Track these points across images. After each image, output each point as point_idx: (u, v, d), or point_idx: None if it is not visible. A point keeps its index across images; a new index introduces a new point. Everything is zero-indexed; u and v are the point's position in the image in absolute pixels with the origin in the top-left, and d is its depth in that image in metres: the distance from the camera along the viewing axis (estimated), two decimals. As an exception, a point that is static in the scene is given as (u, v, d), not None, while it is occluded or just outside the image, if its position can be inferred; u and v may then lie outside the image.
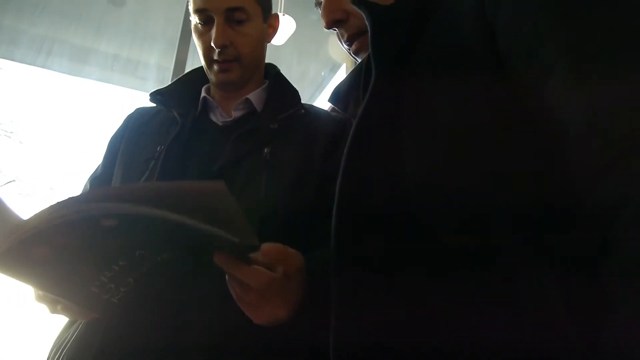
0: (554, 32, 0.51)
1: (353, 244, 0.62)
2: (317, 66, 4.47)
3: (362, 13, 0.74)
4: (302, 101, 1.16)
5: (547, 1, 0.53)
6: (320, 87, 4.46)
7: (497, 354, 0.48)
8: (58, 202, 0.48)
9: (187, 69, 3.22)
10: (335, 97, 0.92)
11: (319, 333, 0.63)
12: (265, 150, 0.95)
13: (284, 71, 1.21)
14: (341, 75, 4.17)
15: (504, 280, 0.50)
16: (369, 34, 0.72)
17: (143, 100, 3.80)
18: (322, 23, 0.88)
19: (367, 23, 0.73)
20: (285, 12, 3.00)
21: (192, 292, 0.79)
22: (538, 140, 0.52)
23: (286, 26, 2.87)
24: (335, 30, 0.87)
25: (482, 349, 0.49)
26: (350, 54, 0.90)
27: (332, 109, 1.07)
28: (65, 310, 0.74)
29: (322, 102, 4.37)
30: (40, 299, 0.75)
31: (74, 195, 0.50)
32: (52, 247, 0.50)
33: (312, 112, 1.12)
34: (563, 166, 0.49)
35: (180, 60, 3.06)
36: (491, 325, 0.49)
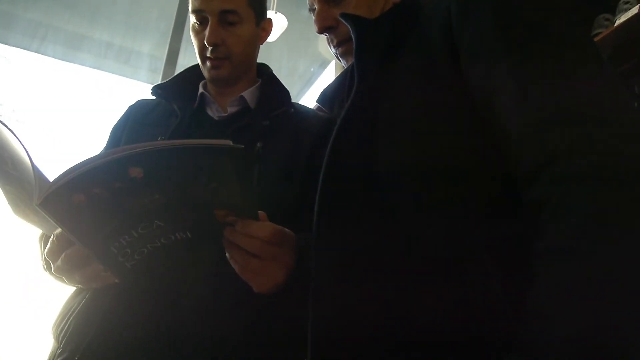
0: (505, 57, 0.60)
1: (332, 218, 0.68)
2: (307, 62, 4.55)
3: (348, 25, 0.85)
4: (292, 97, 1.25)
5: (498, 30, 0.63)
6: (309, 83, 4.56)
7: (444, 329, 0.54)
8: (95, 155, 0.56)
9: (179, 60, 3.31)
10: (322, 98, 1.05)
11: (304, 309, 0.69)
12: (258, 144, 1.01)
13: (274, 66, 1.29)
14: (330, 71, 4.27)
15: (453, 263, 0.56)
16: (354, 44, 0.82)
17: (135, 88, 3.86)
18: (315, 27, 0.97)
19: (352, 35, 0.83)
20: (277, 8, 3.07)
21: (192, 280, 0.84)
22: (485, 142, 0.61)
23: (278, 24, 2.94)
24: (326, 35, 0.98)
25: (430, 323, 0.55)
26: (337, 57, 1.00)
27: (319, 109, 1.17)
28: (83, 277, 0.79)
29: (311, 97, 4.43)
30: (59, 269, 0.79)
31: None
32: (87, 195, 0.57)
33: (301, 111, 1.19)
34: (506, 165, 0.58)
35: (173, 51, 3.12)
36: (441, 304, 0.56)
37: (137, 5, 3.82)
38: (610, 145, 0.48)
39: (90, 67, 3.66)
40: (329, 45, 1.00)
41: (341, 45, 0.94)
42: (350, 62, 0.95)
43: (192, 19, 1.13)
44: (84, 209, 0.59)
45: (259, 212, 0.72)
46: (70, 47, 3.65)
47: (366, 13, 0.89)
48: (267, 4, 1.24)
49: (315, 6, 0.96)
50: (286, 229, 0.76)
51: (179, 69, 3.24)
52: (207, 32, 1.09)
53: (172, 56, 3.07)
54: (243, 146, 0.57)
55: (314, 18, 0.96)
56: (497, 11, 0.64)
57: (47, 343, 0.92)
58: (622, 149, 0.48)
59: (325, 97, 1.03)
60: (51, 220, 0.60)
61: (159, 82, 1.21)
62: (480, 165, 0.61)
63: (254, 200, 0.69)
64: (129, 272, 0.71)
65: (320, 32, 0.95)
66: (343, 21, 0.86)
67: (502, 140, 0.58)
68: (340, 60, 1.00)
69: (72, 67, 3.56)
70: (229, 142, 0.57)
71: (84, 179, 0.56)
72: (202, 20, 1.11)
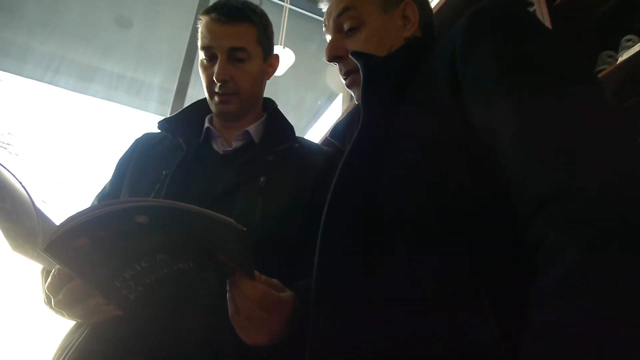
0: (505, 95, 0.60)
1: (333, 251, 0.69)
2: (314, 95, 4.65)
3: (357, 63, 0.87)
4: (299, 129, 1.27)
5: (499, 68, 0.63)
6: (316, 116, 4.63)
7: (435, 349, 0.55)
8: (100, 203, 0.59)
9: (189, 92, 3.36)
10: (334, 133, 1.05)
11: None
12: (261, 179, 1.03)
13: (282, 99, 1.32)
14: (337, 104, 4.32)
15: (451, 301, 0.56)
16: (361, 81, 0.83)
17: (145, 119, 3.92)
18: (324, 56, 1.00)
19: (360, 73, 0.85)
20: (286, 42, 3.08)
21: (194, 306, 0.84)
22: (487, 181, 0.62)
23: (286, 58, 2.98)
24: (335, 64, 0.99)
25: (421, 345, 0.56)
26: (344, 85, 1.02)
27: (330, 143, 1.18)
28: (84, 311, 0.79)
29: (318, 130, 4.46)
30: (59, 304, 0.79)
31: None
32: (91, 239, 0.59)
33: (305, 145, 1.21)
34: (507, 204, 0.57)
35: (183, 83, 3.20)
36: (431, 325, 0.56)
37: (148, 38, 3.90)
38: (608, 185, 0.47)
39: (101, 98, 3.72)
40: (339, 74, 1.02)
41: (349, 75, 0.96)
42: (357, 94, 0.96)
43: (202, 55, 1.14)
44: (88, 251, 0.60)
45: (255, 272, 0.72)
46: (82, 78, 3.72)
47: (376, 46, 0.90)
48: (275, 40, 1.27)
49: (328, 35, 0.99)
50: (281, 295, 0.75)
51: (188, 101, 3.33)
52: (216, 68, 1.10)
53: (182, 88, 3.15)
54: (245, 229, 0.59)
55: (324, 50, 0.98)
56: (499, 49, 0.65)
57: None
58: (620, 189, 0.47)
59: (337, 132, 1.04)
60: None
61: (166, 116, 1.23)
62: (483, 204, 0.61)
63: (250, 262, 0.70)
64: (132, 303, 0.71)
65: (330, 60, 0.97)
66: (352, 58, 0.88)
67: (503, 178, 0.58)
68: (349, 90, 1.01)
69: (84, 98, 3.64)
70: (232, 221, 0.58)
71: (88, 225, 0.57)
72: (211, 57, 1.12)
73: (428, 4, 1.02)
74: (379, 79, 0.82)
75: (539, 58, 0.62)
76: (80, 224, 0.56)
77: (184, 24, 3.65)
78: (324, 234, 0.71)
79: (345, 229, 0.69)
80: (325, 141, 1.90)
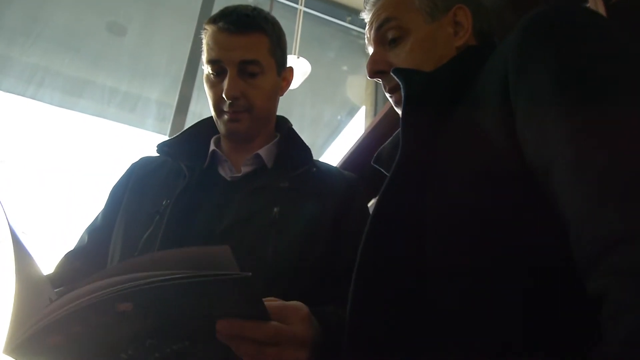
0: (565, 120, 0.58)
1: (369, 297, 0.69)
2: (333, 109, 4.49)
3: (398, 81, 0.85)
4: (317, 148, 1.26)
5: (558, 87, 0.60)
6: (336, 131, 4.44)
7: None
8: (73, 289, 0.53)
9: (191, 107, 3.34)
10: (378, 159, 1.04)
11: None
12: (275, 209, 1.04)
13: (296, 114, 1.29)
14: (359, 118, 4.12)
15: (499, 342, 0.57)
16: (402, 104, 0.82)
17: (142, 139, 3.86)
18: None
19: (402, 93, 0.83)
20: (300, 51, 3.02)
21: None
22: (543, 221, 0.60)
23: (300, 69, 2.92)
24: (378, 80, 0.99)
25: None
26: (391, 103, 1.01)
27: (341, 169, 1.19)
28: None
29: (338, 147, 4.43)
30: None
31: (87, 280, 0.54)
32: (66, 336, 0.56)
33: (323, 170, 1.21)
34: (565, 246, 0.55)
35: (184, 97, 3.13)
36: None
37: (145, 47, 3.84)
38: None
39: (91, 114, 3.62)
40: (384, 90, 1.00)
41: (393, 93, 0.96)
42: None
43: (207, 69, 1.14)
44: (63, 349, 0.58)
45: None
46: (69, 93, 3.64)
47: (422, 59, 0.90)
48: (288, 49, 1.30)
49: (370, 48, 0.99)
50: (294, 328, 0.73)
51: (190, 118, 3.29)
52: (225, 84, 1.10)
53: (183, 103, 3.10)
54: (250, 274, 0.55)
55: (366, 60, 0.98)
56: (558, 64, 0.62)
57: None
58: None
59: (381, 158, 1.03)
60: None
61: (167, 139, 1.22)
62: (539, 247, 0.60)
63: (262, 307, 0.66)
64: None
65: (372, 76, 0.97)
66: (394, 76, 0.86)
67: (561, 217, 0.56)
68: (395, 108, 1.00)
69: (72, 115, 3.65)
70: (236, 272, 0.55)
71: (62, 321, 0.54)
72: (219, 71, 1.13)
73: (484, 7, 0.99)
74: (423, 100, 0.81)
75: (607, 76, 0.58)
76: (52, 322, 0.53)
77: (184, 31, 3.57)
78: (356, 285, 0.70)
79: (382, 274, 0.69)
80: (349, 164, 1.92)
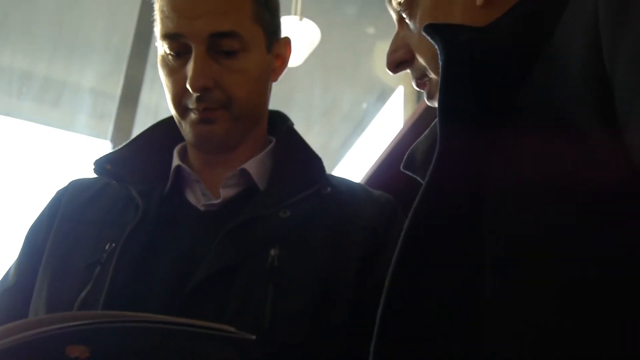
0: None
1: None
2: (355, 94, 4.02)
3: (435, 45, 0.76)
4: (329, 153, 0.98)
5: None
6: (360, 126, 3.99)
7: None
8: (14, 325, 0.55)
9: (143, 98, 3.19)
10: (409, 162, 0.94)
11: None
12: (272, 252, 0.99)
13: (300, 105, 0.95)
14: (396, 104, 3.72)
15: None
16: (439, 81, 0.74)
17: (71, 146, 3.65)
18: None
19: (439, 61, 0.74)
20: (304, 9, 2.74)
21: None
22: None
23: (305, 36, 2.70)
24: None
25: None
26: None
27: (369, 187, 1.11)
28: None
29: (363, 150, 3.80)
30: None
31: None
32: None
33: (342, 190, 1.12)
34: None
35: (132, 84, 2.85)
36: None
37: (71, 14, 3.56)
38: None
39: None
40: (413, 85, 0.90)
41: (423, 79, 0.88)
42: None
43: (163, 47, 1.05)
44: None
45: None
46: None
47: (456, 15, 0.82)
48: (286, 7, 1.18)
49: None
50: None
51: (141, 114, 3.28)
52: (189, 69, 1.02)
53: (131, 92, 2.83)
54: (253, 337, 0.57)
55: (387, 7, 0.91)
56: None
57: None
58: None
59: (414, 161, 0.92)
60: None
61: (110, 151, 1.12)
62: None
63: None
64: None
65: (392, 70, 0.89)
66: (426, 36, 0.76)
67: None
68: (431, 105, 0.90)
69: None
70: (231, 329, 0.56)
71: None
72: (180, 50, 1.04)
73: None
74: (473, 72, 0.74)
75: None
76: None
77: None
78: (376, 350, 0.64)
79: (414, 340, 0.65)
80: (382, 178, 1.81)
